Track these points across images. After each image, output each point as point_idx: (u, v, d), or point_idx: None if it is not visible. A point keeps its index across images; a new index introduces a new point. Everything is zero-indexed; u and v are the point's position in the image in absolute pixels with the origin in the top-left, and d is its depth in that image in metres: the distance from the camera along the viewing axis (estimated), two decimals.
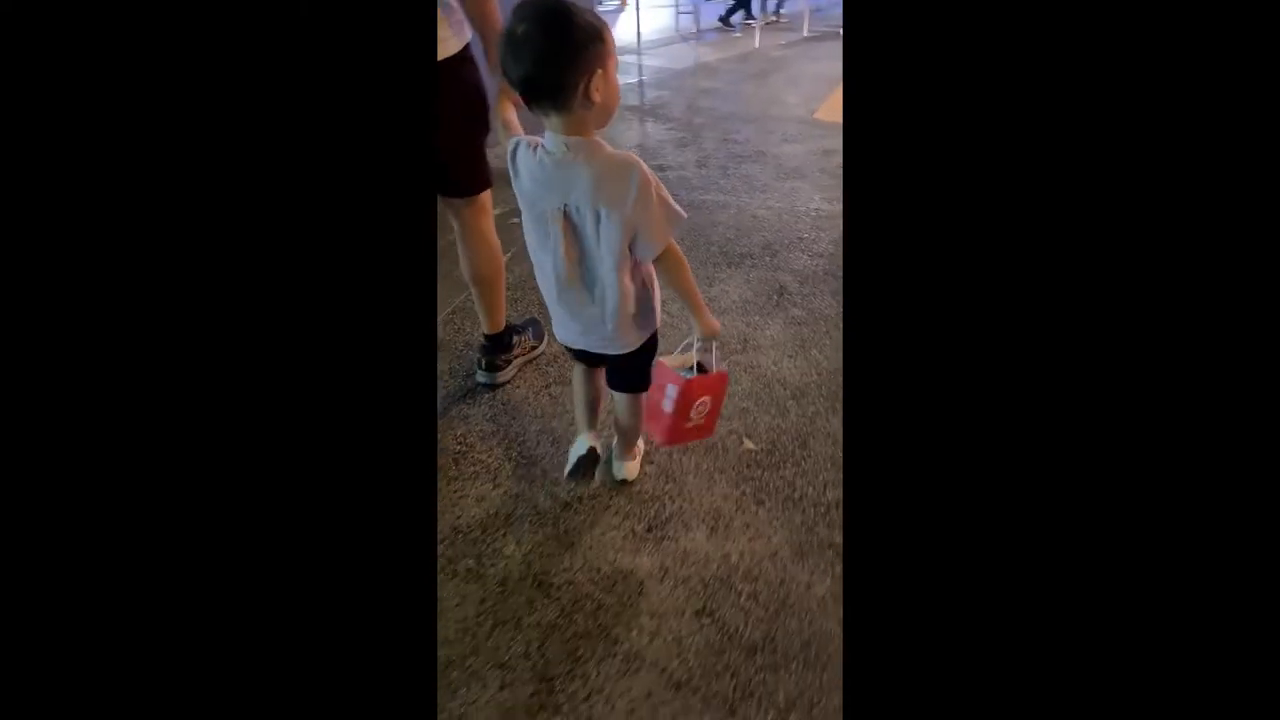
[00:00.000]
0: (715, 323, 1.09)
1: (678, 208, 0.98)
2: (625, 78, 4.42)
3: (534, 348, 1.78)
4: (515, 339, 1.72)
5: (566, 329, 1.13)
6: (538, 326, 1.82)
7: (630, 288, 1.02)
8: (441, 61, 1.28)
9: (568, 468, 1.27)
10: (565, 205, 0.97)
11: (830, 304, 1.95)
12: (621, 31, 5.86)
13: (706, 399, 1.11)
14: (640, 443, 1.38)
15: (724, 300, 1.97)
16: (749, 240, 2.33)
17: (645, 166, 0.95)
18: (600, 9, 6.32)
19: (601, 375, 1.27)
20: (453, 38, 1.31)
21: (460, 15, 1.33)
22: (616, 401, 1.28)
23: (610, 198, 0.94)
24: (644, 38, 5.70)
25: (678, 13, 6.89)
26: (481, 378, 1.67)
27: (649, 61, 5.38)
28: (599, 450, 1.26)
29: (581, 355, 1.20)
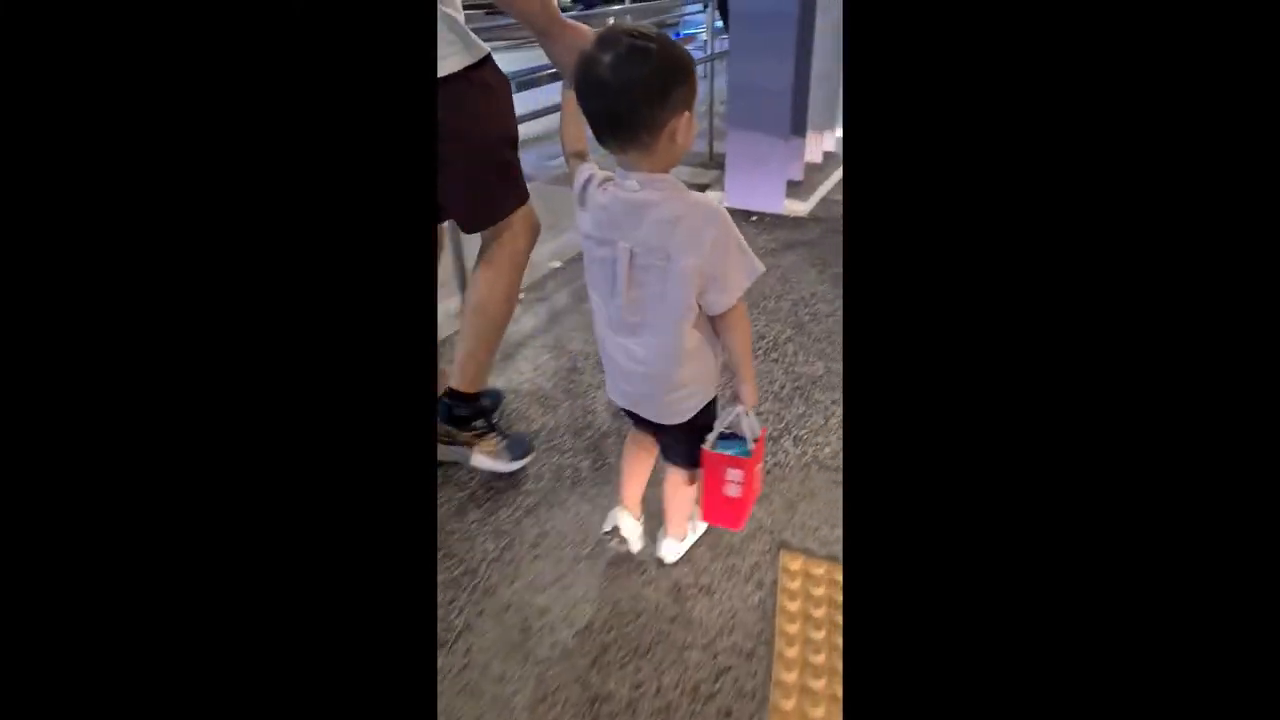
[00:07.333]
0: (756, 393, 1.03)
1: (756, 260, 0.91)
2: None
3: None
4: (478, 423, 1.42)
5: (618, 387, 1.06)
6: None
7: (689, 346, 0.95)
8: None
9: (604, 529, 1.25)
10: (633, 246, 0.90)
11: None
12: None
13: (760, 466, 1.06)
14: (691, 524, 1.28)
15: None
16: None
17: (726, 213, 0.89)
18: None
19: (654, 448, 1.19)
20: (452, 55, 1.16)
21: (460, 28, 1.17)
22: (667, 474, 1.19)
23: (685, 241, 0.87)
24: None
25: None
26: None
27: None
28: (631, 532, 1.23)
29: (634, 416, 1.12)
